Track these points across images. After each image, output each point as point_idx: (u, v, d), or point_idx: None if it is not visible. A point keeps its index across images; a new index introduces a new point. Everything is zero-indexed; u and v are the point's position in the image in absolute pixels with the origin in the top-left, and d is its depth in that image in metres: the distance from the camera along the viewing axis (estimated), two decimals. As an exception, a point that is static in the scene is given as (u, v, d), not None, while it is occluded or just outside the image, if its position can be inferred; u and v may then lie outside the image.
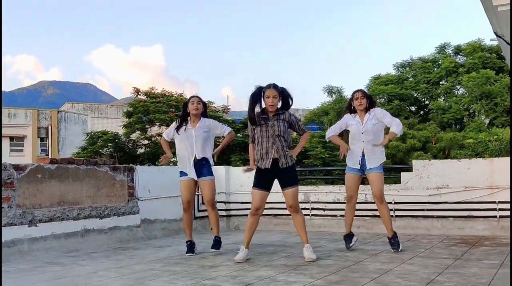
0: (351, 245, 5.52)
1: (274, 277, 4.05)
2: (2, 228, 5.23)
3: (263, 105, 5.05)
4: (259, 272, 4.31)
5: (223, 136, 5.82)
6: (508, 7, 4.82)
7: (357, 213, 7.00)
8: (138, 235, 6.79)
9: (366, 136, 5.37)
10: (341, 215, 7.39)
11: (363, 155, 5.38)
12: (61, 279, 4.24)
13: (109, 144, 16.69)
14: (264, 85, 5.04)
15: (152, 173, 7.38)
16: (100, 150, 16.62)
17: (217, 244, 5.64)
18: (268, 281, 3.92)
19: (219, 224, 5.81)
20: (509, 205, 6.29)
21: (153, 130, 17.32)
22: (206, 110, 5.82)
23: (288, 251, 5.58)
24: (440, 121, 21.68)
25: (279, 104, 5.06)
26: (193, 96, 5.71)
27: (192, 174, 5.56)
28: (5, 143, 30.49)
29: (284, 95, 5.06)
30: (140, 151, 16.99)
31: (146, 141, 16.96)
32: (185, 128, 5.57)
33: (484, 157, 9.70)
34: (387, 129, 5.56)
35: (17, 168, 5.50)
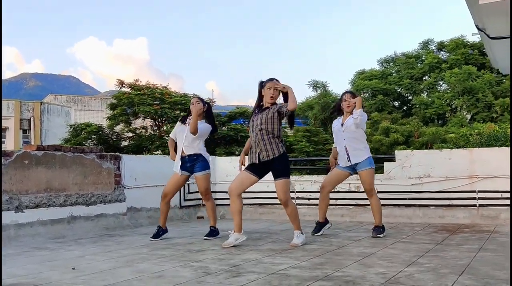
0: (318, 233, 5.72)
1: (260, 260, 4.14)
2: (-11, 213, 5.25)
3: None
4: (245, 255, 4.40)
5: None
6: (490, 1, 4.95)
7: (341, 202, 7.18)
8: (125, 223, 6.84)
9: (347, 133, 5.54)
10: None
11: (346, 151, 5.53)
12: (51, 261, 4.28)
13: (93, 136, 16.60)
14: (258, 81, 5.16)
15: (139, 162, 7.42)
16: (84, 142, 16.53)
17: (211, 233, 5.71)
18: (255, 262, 4.01)
19: (215, 215, 5.87)
20: (488, 194, 6.47)
21: (137, 122, 17.27)
22: (211, 112, 5.90)
23: (273, 237, 5.68)
24: (423, 116, 21.97)
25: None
26: (193, 97, 5.94)
27: (177, 167, 5.66)
28: (-13, 134, 30.15)
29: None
30: (124, 143, 16.94)
31: (130, 134, 16.90)
32: (184, 123, 5.74)
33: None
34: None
35: (4, 153, 5.51)
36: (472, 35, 7.97)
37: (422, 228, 6.16)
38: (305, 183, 7.72)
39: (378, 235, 5.39)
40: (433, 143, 17.46)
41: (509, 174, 6.23)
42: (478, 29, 6.27)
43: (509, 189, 6.28)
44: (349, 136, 5.53)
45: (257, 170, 5.10)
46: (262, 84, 5.12)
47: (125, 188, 6.99)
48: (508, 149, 6.43)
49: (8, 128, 30.56)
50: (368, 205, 7.12)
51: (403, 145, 17.72)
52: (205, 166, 5.73)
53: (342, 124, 5.62)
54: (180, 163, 5.69)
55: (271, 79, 5.09)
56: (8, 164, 5.51)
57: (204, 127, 5.74)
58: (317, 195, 7.58)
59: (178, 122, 5.89)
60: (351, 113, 5.54)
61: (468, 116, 21.76)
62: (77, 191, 6.23)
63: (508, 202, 6.31)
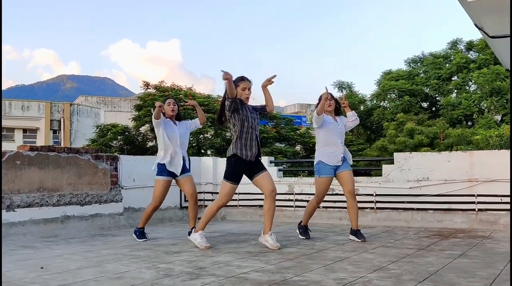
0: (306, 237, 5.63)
1: (229, 262, 4.10)
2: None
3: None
4: (219, 257, 4.37)
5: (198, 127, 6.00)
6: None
7: (340, 205, 7.07)
8: (121, 223, 6.90)
9: (342, 137, 5.57)
10: (323, 207, 7.41)
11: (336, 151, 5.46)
12: (25, 260, 4.35)
13: (119, 137, 16.88)
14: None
15: (137, 162, 7.48)
16: (110, 142, 16.83)
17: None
18: (222, 265, 3.97)
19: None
20: (488, 198, 6.26)
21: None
22: (179, 114, 5.92)
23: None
24: (450, 117, 21.48)
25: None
26: (169, 98, 5.91)
27: (178, 170, 5.63)
28: (18, 134, 31.00)
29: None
30: (150, 144, 17.16)
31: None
32: (168, 123, 5.69)
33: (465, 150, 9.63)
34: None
35: (1, 159, 5.63)
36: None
37: (416, 232, 6.00)
38: (303, 185, 7.64)
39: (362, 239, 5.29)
40: (458, 145, 17.05)
41: (509, 178, 6.01)
42: (478, 28, 6.07)
43: (509, 193, 6.06)
44: (342, 140, 5.56)
45: (241, 177, 5.06)
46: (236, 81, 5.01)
47: (122, 188, 7.06)
48: (508, 152, 6.20)
49: (39, 129, 31.39)
50: (366, 208, 7.02)
51: (427, 147, 17.37)
52: (189, 168, 5.78)
53: (338, 124, 5.55)
54: (181, 165, 5.64)
55: (242, 79, 5.01)
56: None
57: (187, 131, 5.83)
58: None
59: (163, 118, 5.71)
60: (332, 113, 5.58)
61: (498, 118, 21.16)
62: (71, 191, 6.33)
63: (508, 206, 6.09)
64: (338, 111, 5.71)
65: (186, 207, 8.14)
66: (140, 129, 17.16)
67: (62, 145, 30.94)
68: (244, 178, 5.05)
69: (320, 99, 5.54)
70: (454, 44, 26.34)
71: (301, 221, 5.83)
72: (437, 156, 6.73)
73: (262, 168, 5.07)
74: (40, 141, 30.42)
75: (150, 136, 17.20)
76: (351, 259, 4.21)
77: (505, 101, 20.85)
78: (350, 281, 3.32)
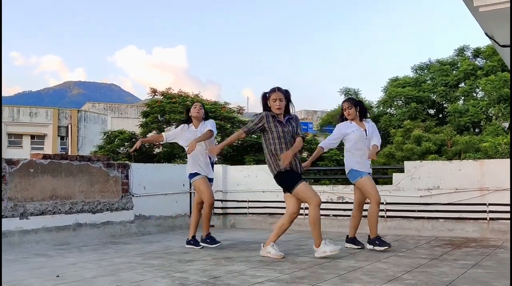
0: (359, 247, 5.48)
1: (243, 272, 4.12)
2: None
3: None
4: (232, 266, 4.38)
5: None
6: (491, 8, 4.80)
7: (347, 212, 7.07)
8: (132, 231, 6.93)
9: (367, 141, 5.44)
10: (333, 215, 7.42)
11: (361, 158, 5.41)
12: (40, 269, 4.38)
13: (126, 143, 16.97)
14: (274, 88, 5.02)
15: (148, 170, 7.51)
16: (117, 149, 16.91)
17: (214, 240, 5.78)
18: (236, 275, 3.99)
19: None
20: (499, 207, 6.25)
21: (170, 130, 17.55)
22: (207, 114, 5.96)
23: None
24: (458, 124, 21.42)
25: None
26: (196, 102, 6.00)
27: (209, 172, 5.71)
28: (26, 141, 31.17)
29: (289, 98, 5.04)
30: (157, 150, 17.22)
31: (162, 142, 17.15)
32: (188, 128, 5.78)
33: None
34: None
35: (10, 162, 5.69)
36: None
37: (428, 241, 5.99)
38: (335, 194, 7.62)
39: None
40: (466, 152, 16.99)
41: (509, 185, 6.00)
42: (488, 37, 6.09)
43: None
44: (368, 145, 5.44)
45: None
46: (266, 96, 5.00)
47: (133, 196, 7.09)
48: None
49: (46, 135, 31.55)
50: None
51: (435, 154, 17.32)
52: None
53: (365, 132, 5.47)
54: (209, 167, 5.74)
55: (274, 90, 4.98)
56: (13, 172, 5.68)
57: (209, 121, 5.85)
58: (325, 206, 7.52)
59: (185, 126, 5.81)
60: (355, 119, 5.51)
61: (506, 125, 21.09)
62: (83, 198, 6.36)
63: (519, 215, 6.08)
64: (364, 114, 5.57)
65: (197, 215, 8.17)
66: (147, 135, 17.25)
67: (69, 151, 31.11)
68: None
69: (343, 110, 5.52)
70: (461, 51, 26.32)
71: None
72: (447, 165, 6.72)
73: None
74: (48, 147, 30.58)
75: (157, 143, 17.30)
76: (364, 268, 4.21)
77: (513, 108, 20.78)
78: (366, 291, 3.33)
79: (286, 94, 5.00)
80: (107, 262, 4.72)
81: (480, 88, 22.53)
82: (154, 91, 17.83)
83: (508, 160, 6.37)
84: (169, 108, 16.37)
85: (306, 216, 7.71)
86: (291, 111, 5.09)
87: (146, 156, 16.65)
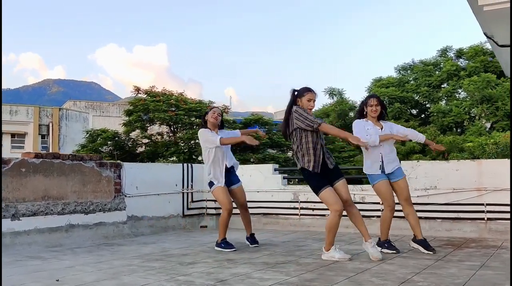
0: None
1: (249, 274, 4.02)
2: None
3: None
4: (236, 269, 4.28)
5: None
6: (496, 7, 4.77)
7: (366, 213, 6.95)
8: (125, 232, 6.77)
9: (387, 144, 5.26)
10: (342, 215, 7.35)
11: (382, 158, 5.22)
12: (38, 272, 4.22)
13: (109, 142, 16.68)
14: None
15: (140, 170, 7.36)
16: (100, 148, 16.62)
17: (255, 240, 5.85)
18: (243, 277, 3.89)
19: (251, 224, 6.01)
20: (497, 207, 6.24)
21: (153, 129, 17.31)
22: (223, 123, 5.86)
23: (271, 249, 5.54)
24: (441, 124, 21.60)
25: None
26: (214, 107, 5.93)
27: (222, 181, 5.61)
28: (6, 139, 30.53)
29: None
30: (140, 149, 16.97)
31: (146, 140, 16.93)
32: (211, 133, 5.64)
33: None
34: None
35: (1, 161, 5.49)
36: (485, 42, 7.75)
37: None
38: (309, 193, 7.55)
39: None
40: (450, 152, 17.11)
41: (509, 185, 6.00)
42: (487, 36, 6.08)
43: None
44: (386, 144, 5.24)
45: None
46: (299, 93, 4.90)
47: (125, 196, 6.93)
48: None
49: (27, 134, 30.98)
50: (374, 216, 6.97)
51: (419, 154, 17.44)
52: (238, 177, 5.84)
53: (380, 129, 5.25)
54: (222, 176, 5.61)
55: (308, 90, 4.90)
56: (5, 171, 5.49)
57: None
58: (321, 206, 7.44)
59: (210, 131, 5.63)
60: (375, 119, 5.27)
61: (488, 125, 21.31)
62: (75, 199, 6.19)
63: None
64: (382, 116, 5.38)
65: (189, 215, 8.05)
66: (130, 134, 16.99)
67: (51, 150, 30.59)
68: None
69: (365, 105, 5.31)
70: (444, 51, 26.57)
71: (379, 238, 5.47)
72: (445, 164, 6.71)
73: (339, 174, 4.92)
74: (29, 146, 30.02)
75: (141, 142, 17.05)
76: (372, 270, 4.14)
77: (495, 109, 21.03)
78: (381, 294, 3.25)
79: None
80: (105, 264, 4.58)
81: (463, 88, 22.74)
82: (137, 90, 17.55)
83: (506, 160, 6.37)
84: (153, 107, 16.12)
85: (301, 216, 7.65)
86: None
87: (129, 155, 16.41)
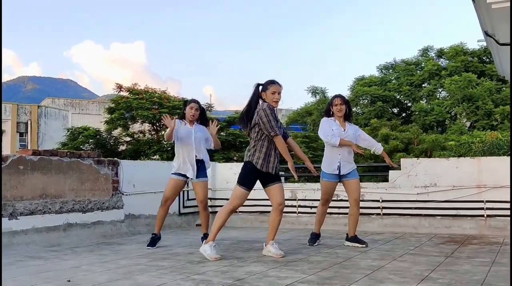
0: (314, 244, 5.58)
1: (265, 273, 3.96)
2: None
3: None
4: (249, 267, 4.21)
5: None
6: (504, 5, 4.80)
7: (344, 211, 7.00)
8: (122, 230, 6.64)
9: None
10: (328, 213, 7.32)
11: (339, 160, 5.41)
12: (44, 273, 4.09)
13: (90, 140, 16.41)
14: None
15: (137, 167, 7.24)
16: (81, 146, 16.34)
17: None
18: (260, 276, 3.83)
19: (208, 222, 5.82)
20: (496, 204, 6.31)
21: (135, 127, 17.10)
22: (205, 118, 5.77)
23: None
24: (423, 123, 21.83)
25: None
26: (193, 102, 5.74)
27: (193, 173, 5.54)
28: (-17, 137, 29.86)
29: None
30: (122, 147, 16.74)
31: (128, 138, 16.71)
32: (185, 125, 5.60)
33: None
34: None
35: (1, 160, 5.31)
36: (477, 42, 7.82)
37: (429, 238, 5.99)
38: (307, 191, 7.54)
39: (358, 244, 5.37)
40: (432, 150, 17.31)
41: (509, 183, 6.07)
42: (487, 35, 6.12)
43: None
44: (345, 148, 5.41)
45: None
46: (263, 87, 4.88)
47: (123, 194, 6.80)
48: (516, 158, 6.29)
49: (5, 132, 30.33)
50: (372, 214, 6.99)
51: (402, 152, 17.58)
52: (206, 173, 5.65)
53: (343, 130, 5.44)
54: (195, 168, 5.55)
55: (273, 82, 4.87)
56: (2, 169, 5.32)
57: (204, 135, 5.70)
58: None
59: (178, 121, 5.63)
60: (342, 118, 5.48)
61: (468, 124, 21.63)
62: (73, 197, 6.04)
63: (517, 212, 6.16)
64: (348, 117, 5.56)
65: (185, 214, 7.95)
66: (112, 132, 16.75)
67: (29, 148, 30.01)
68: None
69: (331, 105, 5.46)
70: (425, 51, 26.87)
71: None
72: (444, 162, 6.75)
73: (277, 179, 4.91)
74: (6, 144, 29.41)
75: (123, 140, 16.82)
76: (386, 268, 4.12)
77: (475, 108, 21.33)
78: (407, 292, 3.23)
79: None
80: (112, 264, 4.46)
81: (444, 88, 23.04)
82: (119, 87, 17.31)
83: (505, 158, 6.44)
84: (136, 105, 15.91)
85: (299, 214, 7.62)
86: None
87: (111, 153, 16.17)
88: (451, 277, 3.69)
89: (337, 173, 5.42)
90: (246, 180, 4.80)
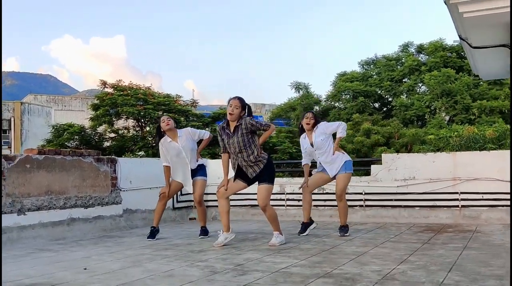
0: (304, 234, 6.01)
1: (261, 259, 4.39)
2: (-7, 216, 5.39)
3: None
4: (246, 255, 4.64)
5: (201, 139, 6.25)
6: (474, 14, 5.27)
7: (329, 203, 7.47)
8: (121, 224, 7.02)
9: (319, 151, 5.94)
10: (314, 205, 7.78)
11: (323, 167, 5.99)
12: (58, 262, 4.46)
13: (75, 137, 16.58)
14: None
15: (134, 165, 7.60)
16: (66, 143, 16.53)
17: (205, 232, 6.12)
18: (257, 262, 4.25)
19: (206, 217, 6.28)
20: (470, 195, 6.83)
21: (119, 123, 17.31)
22: (178, 123, 6.22)
23: (268, 237, 5.87)
24: (403, 117, 22.41)
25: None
26: (163, 115, 6.21)
27: (188, 185, 6.01)
28: (-34, 135, 29.76)
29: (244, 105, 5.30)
30: (107, 144, 16.96)
31: (112, 135, 16.94)
32: (169, 143, 5.92)
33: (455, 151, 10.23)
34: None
35: (7, 158, 5.66)
36: (453, 42, 8.31)
37: (408, 228, 6.48)
38: (295, 185, 7.98)
39: (345, 234, 5.84)
40: (413, 144, 17.88)
41: (509, 177, 6.51)
42: (461, 38, 6.60)
43: (489, 191, 6.67)
44: (323, 152, 5.95)
45: (247, 176, 5.34)
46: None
47: (120, 190, 7.17)
48: (488, 153, 6.81)
49: (-13, 129, 30.26)
50: (356, 206, 7.47)
51: (384, 146, 18.13)
52: (205, 173, 6.06)
53: (311, 144, 5.98)
54: (191, 180, 6.02)
55: (234, 98, 5.29)
56: (11, 168, 5.66)
57: (189, 130, 6.12)
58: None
59: (161, 144, 5.96)
60: (310, 130, 6.00)
61: (447, 118, 22.26)
62: (76, 193, 6.40)
63: (489, 202, 6.70)
64: (316, 124, 6.03)
65: (179, 208, 8.35)
66: (97, 129, 16.95)
67: (13, 146, 30.00)
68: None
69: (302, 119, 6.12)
70: (405, 47, 27.40)
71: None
72: (422, 157, 7.25)
73: (260, 181, 5.31)
74: (-10, 141, 29.32)
75: (107, 137, 17.05)
76: (369, 253, 4.59)
77: (454, 102, 21.95)
78: (388, 272, 3.68)
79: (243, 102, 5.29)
80: (119, 254, 4.85)
81: (424, 83, 23.63)
82: (104, 83, 17.48)
83: (478, 152, 6.97)
84: (121, 101, 16.12)
85: (287, 207, 8.06)
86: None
87: (96, 149, 16.42)
88: (427, 260, 4.17)
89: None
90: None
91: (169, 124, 5.90)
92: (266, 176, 5.27)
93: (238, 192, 8.40)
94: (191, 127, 7.27)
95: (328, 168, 5.92)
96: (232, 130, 5.20)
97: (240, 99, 5.24)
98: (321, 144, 5.90)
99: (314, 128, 5.97)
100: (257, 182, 5.37)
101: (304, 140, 6.10)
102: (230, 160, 5.34)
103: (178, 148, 5.88)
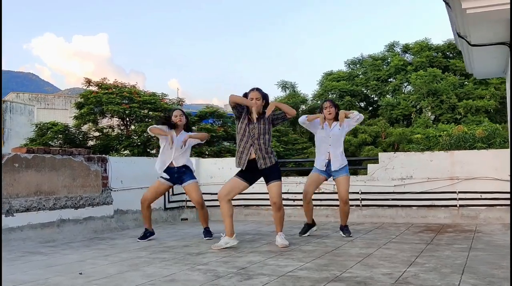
0: (305, 234, 5.91)
1: (264, 262, 4.23)
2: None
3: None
4: (247, 257, 4.48)
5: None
6: (478, 10, 5.18)
7: (326, 203, 7.34)
8: (112, 226, 6.80)
9: (332, 140, 5.75)
10: (314, 205, 7.66)
11: (329, 158, 5.75)
12: (52, 267, 4.25)
13: (59, 136, 16.29)
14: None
15: (125, 164, 7.39)
16: (50, 142, 16.21)
17: (209, 233, 5.96)
18: (260, 265, 4.09)
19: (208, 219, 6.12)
20: (468, 194, 6.75)
21: (104, 122, 17.03)
22: (188, 124, 6.05)
23: (267, 238, 5.77)
24: (389, 117, 22.45)
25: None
26: (176, 109, 6.09)
27: (165, 175, 5.87)
28: None
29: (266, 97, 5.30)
30: (91, 143, 16.68)
31: (97, 133, 16.67)
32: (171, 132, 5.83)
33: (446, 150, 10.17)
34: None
35: (1, 158, 5.41)
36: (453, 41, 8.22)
37: (407, 228, 6.38)
38: (290, 184, 7.85)
39: (350, 235, 5.72)
40: (399, 143, 17.91)
41: (509, 175, 6.45)
42: (459, 36, 6.52)
43: (487, 190, 6.59)
44: (335, 143, 5.77)
45: (248, 176, 5.21)
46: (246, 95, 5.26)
47: (111, 190, 6.95)
48: (486, 151, 6.74)
49: (-32, 128, 29.59)
50: (352, 205, 7.34)
51: (371, 145, 18.12)
52: (193, 175, 5.98)
53: (330, 129, 5.77)
54: (175, 176, 5.86)
55: (252, 89, 5.25)
56: (-2, 167, 5.42)
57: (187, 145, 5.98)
58: (301, 196, 7.75)
59: (166, 128, 5.87)
60: (332, 120, 5.80)
61: (432, 117, 22.36)
62: (66, 194, 6.17)
63: (487, 202, 6.62)
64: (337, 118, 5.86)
65: (171, 208, 8.15)
66: (81, 127, 16.66)
67: (22, 147, 29.43)
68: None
69: (321, 109, 5.80)
70: (391, 47, 27.48)
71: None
72: (420, 156, 7.16)
73: (273, 178, 5.20)
74: (-30, 140, 28.68)
75: (92, 136, 16.76)
76: (375, 255, 4.46)
77: (440, 102, 22.04)
78: (399, 275, 3.55)
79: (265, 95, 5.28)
80: (115, 257, 4.65)
81: (410, 82, 23.70)
82: (88, 82, 17.19)
83: (475, 151, 6.90)
84: (106, 99, 15.86)
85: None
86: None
87: (80, 148, 16.11)
88: (435, 261, 4.05)
89: (324, 169, 5.73)
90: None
91: (181, 120, 5.92)
92: (276, 174, 5.22)
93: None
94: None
95: (334, 159, 5.72)
96: (255, 119, 5.18)
97: (259, 90, 5.27)
98: (338, 133, 5.77)
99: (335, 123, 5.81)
100: (257, 182, 5.27)
101: (320, 128, 5.80)
102: (239, 149, 5.24)
103: (175, 141, 5.78)
